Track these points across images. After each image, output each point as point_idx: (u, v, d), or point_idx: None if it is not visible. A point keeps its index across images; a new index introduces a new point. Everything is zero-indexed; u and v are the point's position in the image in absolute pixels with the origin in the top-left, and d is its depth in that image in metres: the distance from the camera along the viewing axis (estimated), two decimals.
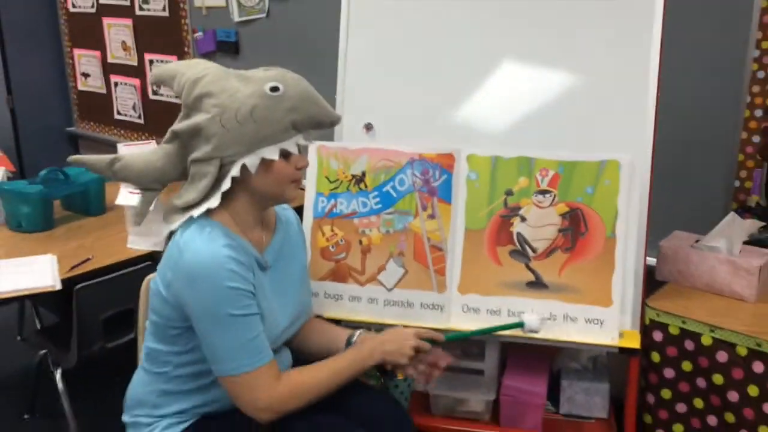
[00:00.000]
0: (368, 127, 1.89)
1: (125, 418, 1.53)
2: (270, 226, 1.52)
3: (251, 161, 1.34)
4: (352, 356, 1.46)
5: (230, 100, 1.33)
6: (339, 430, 1.44)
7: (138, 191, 1.43)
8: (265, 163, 1.35)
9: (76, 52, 4.01)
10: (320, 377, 1.41)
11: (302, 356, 1.61)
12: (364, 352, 1.46)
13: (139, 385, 1.51)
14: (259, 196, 1.41)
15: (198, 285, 1.30)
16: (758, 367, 1.58)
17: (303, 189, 1.78)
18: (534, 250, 1.69)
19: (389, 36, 1.91)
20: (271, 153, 1.34)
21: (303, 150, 1.41)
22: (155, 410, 1.47)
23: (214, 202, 1.36)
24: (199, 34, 3.25)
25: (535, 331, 1.62)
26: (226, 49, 3.15)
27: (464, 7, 1.85)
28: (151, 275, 1.59)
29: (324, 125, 1.43)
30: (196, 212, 1.37)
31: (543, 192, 1.69)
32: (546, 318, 1.65)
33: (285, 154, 1.36)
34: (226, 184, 1.35)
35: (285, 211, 1.59)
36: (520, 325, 1.60)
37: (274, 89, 1.34)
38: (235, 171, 1.35)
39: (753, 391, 1.59)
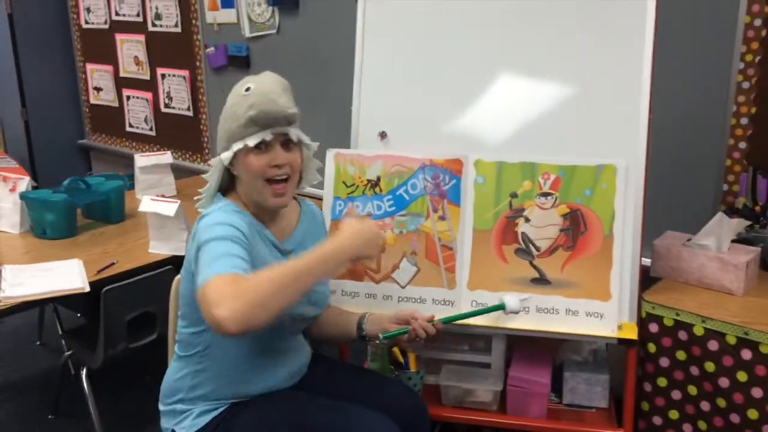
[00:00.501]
0: (382, 135, 1.99)
1: (161, 407, 1.61)
2: (293, 217, 1.64)
3: (226, 155, 1.50)
4: (313, 253, 1.36)
5: (226, 103, 1.51)
6: (359, 414, 1.49)
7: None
8: (237, 157, 1.49)
9: (89, 66, 4.09)
10: (274, 272, 1.30)
11: (321, 342, 1.72)
12: (328, 249, 1.38)
13: (172, 372, 1.60)
14: (247, 193, 1.53)
15: (201, 231, 1.42)
16: (746, 354, 1.66)
17: (316, 199, 1.89)
18: (537, 249, 1.78)
19: (401, 49, 2.00)
20: (237, 147, 1.48)
21: (269, 146, 1.47)
22: (190, 393, 1.54)
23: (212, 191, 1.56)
24: (210, 49, 3.34)
25: (516, 312, 1.70)
26: (238, 63, 3.24)
27: (471, 25, 1.94)
28: (179, 276, 1.70)
29: (280, 122, 1.47)
30: (204, 199, 1.57)
31: (545, 194, 1.78)
32: (525, 299, 1.72)
33: (248, 149, 1.47)
34: (215, 176, 1.53)
35: (309, 206, 1.71)
36: (501, 307, 1.69)
37: (247, 89, 1.48)
38: (216, 163, 1.52)
39: (742, 377, 1.68)
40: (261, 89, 1.47)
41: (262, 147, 1.48)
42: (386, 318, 1.65)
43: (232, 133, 1.48)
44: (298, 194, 1.70)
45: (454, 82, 1.96)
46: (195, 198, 1.61)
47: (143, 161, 2.85)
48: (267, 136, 1.47)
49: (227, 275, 1.28)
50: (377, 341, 1.62)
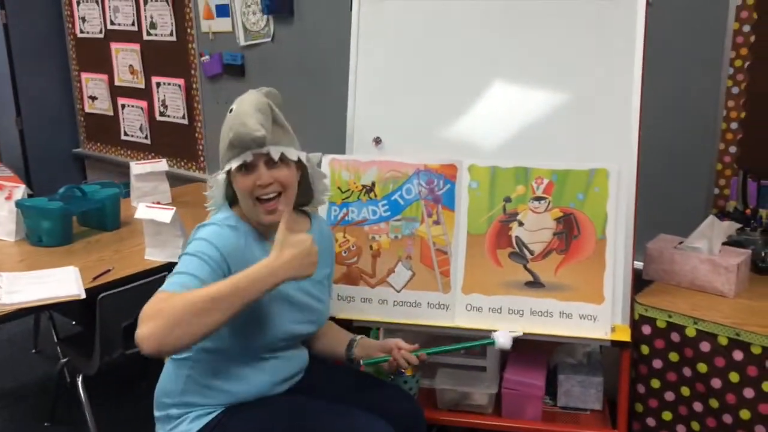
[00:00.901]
0: (377, 140, 2.01)
1: (156, 412, 1.61)
2: (301, 230, 1.63)
3: (221, 176, 1.52)
4: (242, 275, 1.30)
5: None
6: (357, 417, 1.51)
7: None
8: (230, 176, 1.50)
9: (84, 75, 4.09)
10: (198, 294, 1.25)
11: (314, 355, 1.73)
12: (258, 273, 1.31)
13: (166, 376, 1.61)
14: (244, 208, 1.54)
15: (188, 244, 1.45)
16: (738, 355, 1.68)
17: (311, 212, 1.89)
18: (531, 252, 1.80)
19: (395, 56, 2.03)
20: (227, 168, 1.50)
21: (253, 166, 1.47)
22: (183, 397, 1.55)
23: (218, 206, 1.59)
24: (205, 58, 3.35)
25: (506, 348, 1.66)
26: (233, 72, 3.25)
27: (464, 31, 1.97)
28: None
29: (249, 146, 1.45)
30: (212, 213, 1.59)
31: (538, 199, 1.81)
32: (516, 335, 1.67)
33: (235, 170, 1.48)
34: (218, 192, 1.55)
35: (321, 223, 1.72)
36: (491, 342, 1.67)
37: (231, 111, 1.49)
38: (214, 183, 1.54)
39: (734, 377, 1.69)
40: (237, 110, 1.48)
41: (246, 167, 1.48)
42: (375, 346, 1.68)
43: (222, 155, 1.51)
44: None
45: (448, 88, 1.98)
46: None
47: (139, 169, 2.87)
48: (248, 157, 1.46)
49: (167, 293, 1.28)
50: (359, 367, 1.66)
